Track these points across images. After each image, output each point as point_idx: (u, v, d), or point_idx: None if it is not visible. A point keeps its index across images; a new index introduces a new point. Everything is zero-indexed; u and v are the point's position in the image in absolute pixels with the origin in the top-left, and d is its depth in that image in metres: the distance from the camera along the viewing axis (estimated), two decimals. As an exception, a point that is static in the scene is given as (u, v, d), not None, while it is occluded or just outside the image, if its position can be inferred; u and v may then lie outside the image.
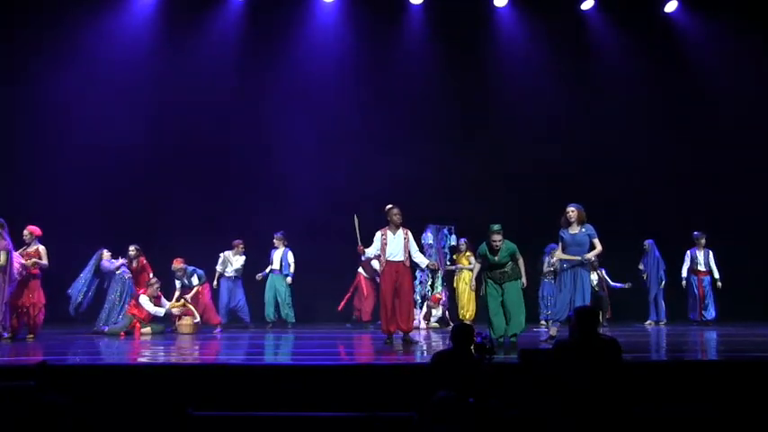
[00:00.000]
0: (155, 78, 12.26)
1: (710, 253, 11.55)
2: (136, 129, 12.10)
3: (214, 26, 12.55)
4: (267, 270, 11.52)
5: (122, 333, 9.82)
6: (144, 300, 10.11)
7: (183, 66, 12.34)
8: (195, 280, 10.77)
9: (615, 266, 11.60)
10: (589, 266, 8.36)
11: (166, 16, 12.36)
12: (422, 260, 8.62)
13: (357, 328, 11.20)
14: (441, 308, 11.33)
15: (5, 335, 8.63)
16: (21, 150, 11.93)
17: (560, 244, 8.27)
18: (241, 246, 11.41)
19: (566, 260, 8.13)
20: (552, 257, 8.42)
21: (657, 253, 11.69)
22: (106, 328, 9.95)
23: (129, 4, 12.27)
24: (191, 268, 10.82)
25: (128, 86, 12.09)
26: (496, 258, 7.89)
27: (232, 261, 11.39)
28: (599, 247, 8.12)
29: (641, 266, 11.78)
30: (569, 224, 8.19)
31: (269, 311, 11.41)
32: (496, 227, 7.85)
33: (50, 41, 11.87)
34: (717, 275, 11.44)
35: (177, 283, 10.85)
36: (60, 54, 11.88)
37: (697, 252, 11.57)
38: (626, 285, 11.54)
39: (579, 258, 8.02)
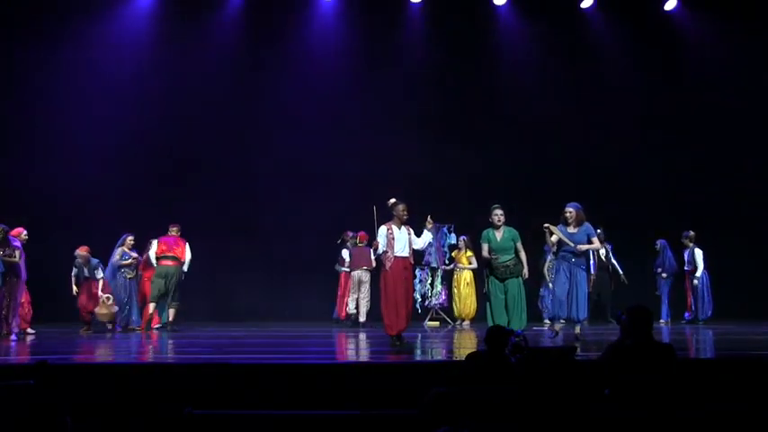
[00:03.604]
0: (154, 77, 12.26)
1: (696, 251, 11.39)
2: (136, 128, 12.11)
3: (215, 23, 12.55)
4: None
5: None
6: None
7: (183, 63, 12.34)
8: (99, 273, 10.22)
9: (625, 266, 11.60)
10: (585, 263, 8.39)
11: (166, 15, 12.35)
12: (424, 239, 8.12)
13: (360, 327, 11.01)
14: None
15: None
16: (19, 149, 11.91)
17: None
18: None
19: (561, 249, 8.24)
20: (550, 238, 8.37)
21: (669, 253, 11.64)
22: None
23: (129, 1, 12.28)
24: (95, 260, 10.28)
25: (126, 85, 12.09)
26: (499, 239, 7.96)
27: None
28: (597, 245, 8.43)
29: (659, 268, 11.72)
30: (568, 224, 8.29)
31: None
32: (497, 204, 8.10)
33: (50, 41, 11.87)
34: (700, 266, 11.27)
35: (74, 271, 10.21)
36: (60, 51, 11.87)
37: (685, 252, 11.54)
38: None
39: (573, 245, 8.10)
